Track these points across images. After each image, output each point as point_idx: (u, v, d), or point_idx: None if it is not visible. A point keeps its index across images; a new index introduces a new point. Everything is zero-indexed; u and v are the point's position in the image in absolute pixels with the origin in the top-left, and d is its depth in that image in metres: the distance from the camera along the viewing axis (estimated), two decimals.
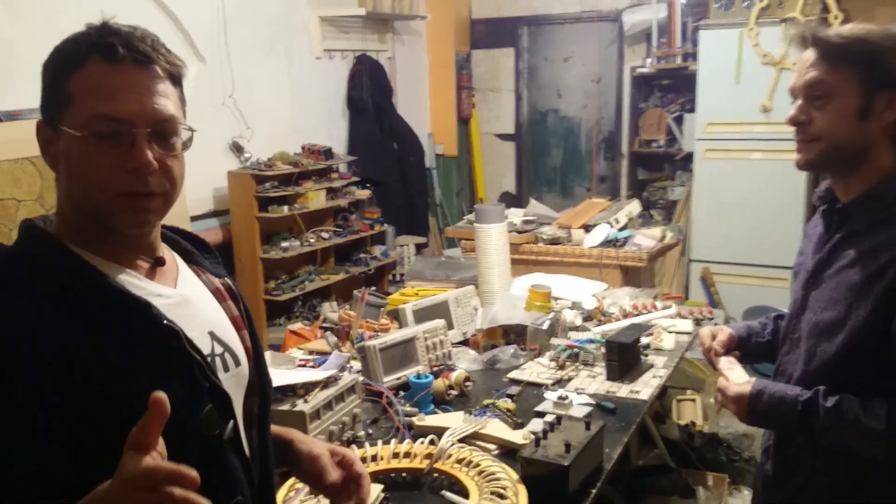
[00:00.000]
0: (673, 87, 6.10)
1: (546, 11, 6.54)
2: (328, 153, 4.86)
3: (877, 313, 1.44)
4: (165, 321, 1.08)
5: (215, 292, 1.26)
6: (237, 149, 4.48)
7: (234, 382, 1.20)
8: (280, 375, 2.10)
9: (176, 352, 1.09)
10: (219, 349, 1.19)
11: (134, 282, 1.12)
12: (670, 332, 2.95)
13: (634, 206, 4.24)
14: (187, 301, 1.18)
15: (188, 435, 1.08)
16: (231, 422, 1.15)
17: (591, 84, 6.57)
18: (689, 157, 5.74)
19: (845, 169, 1.53)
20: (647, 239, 3.85)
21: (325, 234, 4.78)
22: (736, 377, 1.73)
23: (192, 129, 1.14)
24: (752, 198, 5.31)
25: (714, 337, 1.98)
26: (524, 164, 6.92)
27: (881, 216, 1.48)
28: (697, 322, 3.20)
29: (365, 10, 5.25)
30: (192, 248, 1.29)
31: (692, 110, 5.65)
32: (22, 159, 3.27)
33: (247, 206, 4.31)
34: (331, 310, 3.51)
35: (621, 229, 3.99)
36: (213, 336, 1.19)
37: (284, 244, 4.49)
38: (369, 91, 5.61)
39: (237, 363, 1.22)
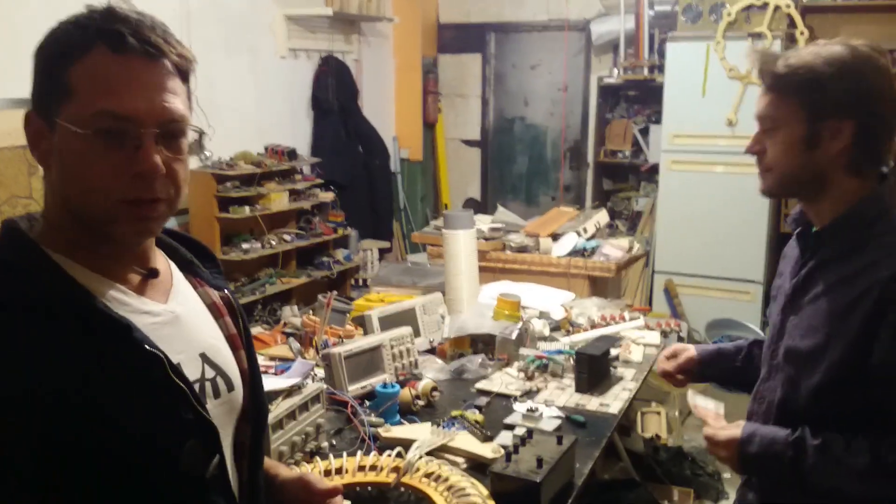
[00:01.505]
0: (639, 98, 6.11)
1: (514, 19, 6.52)
2: (292, 154, 4.77)
3: (856, 346, 1.40)
4: (148, 346, 0.98)
5: (212, 307, 1.16)
6: (198, 147, 4.37)
7: (224, 410, 1.10)
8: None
9: (159, 380, 0.99)
10: (210, 373, 1.09)
11: (120, 297, 1.02)
12: (639, 344, 2.92)
13: (602, 216, 4.22)
14: (178, 319, 1.07)
15: (169, 472, 0.99)
16: (216, 457, 1.05)
17: (558, 92, 6.55)
18: (654, 169, 5.75)
19: (808, 196, 1.52)
20: (614, 249, 3.82)
21: (287, 237, 4.69)
22: (714, 420, 1.67)
23: (201, 132, 1.05)
24: (716, 210, 5.33)
25: (673, 355, 1.94)
26: (490, 171, 6.88)
27: (854, 244, 1.45)
28: (664, 334, 3.19)
29: (332, 10, 5.17)
30: (191, 258, 1.18)
31: (658, 122, 5.66)
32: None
33: (207, 206, 4.20)
34: (292, 314, 3.42)
35: (589, 239, 3.97)
36: (204, 358, 1.09)
37: (245, 245, 4.39)
38: (335, 92, 5.53)
39: (230, 388, 1.12)
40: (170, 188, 1.00)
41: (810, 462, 1.42)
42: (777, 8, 4.99)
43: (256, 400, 1.18)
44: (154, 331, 1.01)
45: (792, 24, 5.02)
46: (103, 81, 0.95)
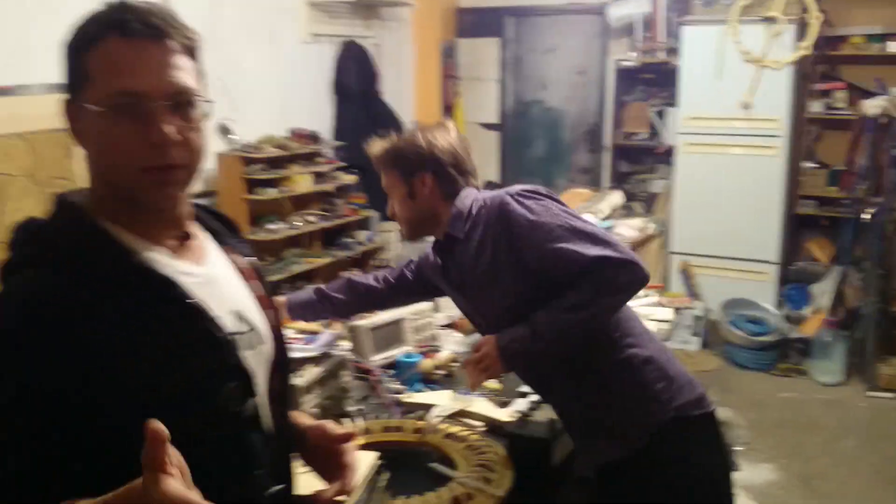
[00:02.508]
0: (656, 81, 6.17)
1: (532, 2, 6.59)
2: (315, 137, 4.89)
3: (508, 273, 1.87)
4: (189, 300, 1.11)
5: (242, 272, 1.28)
6: (225, 131, 4.51)
7: (257, 360, 1.22)
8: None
9: (199, 330, 1.11)
10: (243, 327, 1.20)
11: (161, 259, 1.14)
12: (651, 321, 3.02)
13: (617, 197, 4.32)
14: (213, 280, 1.20)
15: (209, 412, 1.12)
16: (251, 399, 1.18)
17: (575, 76, 6.63)
18: (670, 151, 5.82)
19: (430, 229, 2.04)
20: (629, 229, 3.93)
21: (311, 218, 4.82)
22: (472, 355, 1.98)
23: (210, 101, 1.15)
24: (731, 192, 5.41)
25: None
26: (507, 154, 6.97)
27: (463, 236, 1.95)
28: (677, 311, 3.29)
29: None
30: (220, 228, 1.30)
31: (674, 104, 5.73)
32: (13, 135, 3.29)
33: (235, 188, 4.33)
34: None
35: (604, 219, 4.07)
36: (237, 315, 1.21)
37: (271, 226, 4.52)
38: (355, 77, 5.63)
39: (261, 341, 1.24)
40: (186, 155, 1.11)
41: (541, 321, 1.82)
42: None
43: (283, 353, 1.31)
44: (193, 289, 1.13)
45: (805, 8, 5.07)
46: (115, 64, 1.07)
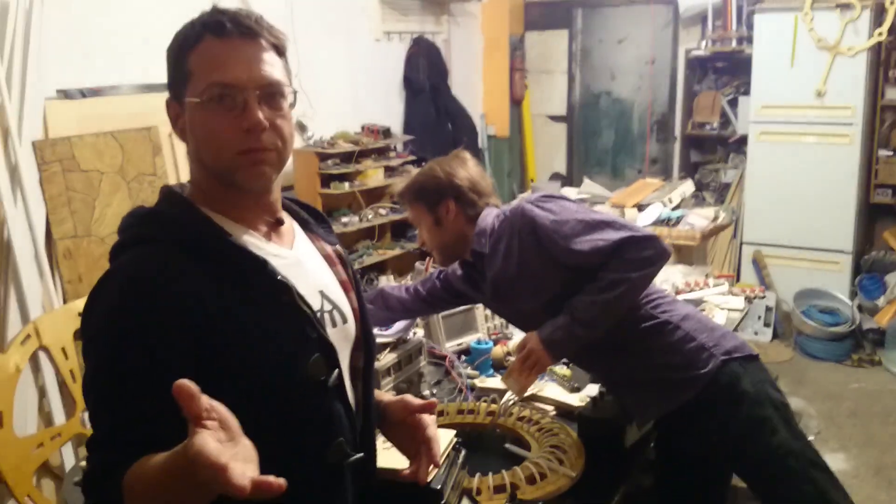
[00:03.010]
0: (727, 69, 6.11)
1: None
2: (387, 132, 4.99)
3: (544, 277, 2.00)
4: (279, 277, 1.22)
5: (327, 258, 1.41)
6: (301, 128, 4.65)
7: (340, 337, 1.33)
8: None
9: (288, 305, 1.23)
10: (327, 306, 1.32)
11: (254, 242, 1.27)
12: (722, 309, 3.04)
13: (688, 187, 4.32)
14: (300, 262, 1.32)
15: (296, 381, 1.23)
16: (336, 370, 1.28)
17: (645, 66, 6.61)
18: (742, 140, 5.76)
19: (461, 251, 2.18)
20: (700, 219, 3.93)
21: (382, 211, 4.93)
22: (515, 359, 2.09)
23: (295, 91, 1.27)
24: (804, 181, 5.33)
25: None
26: (575, 146, 6.99)
27: (489, 250, 2.08)
28: (749, 300, 3.29)
29: None
30: (308, 218, 1.43)
31: (746, 93, 5.67)
32: (105, 133, 3.46)
33: (310, 183, 4.47)
34: (387, 283, 3.65)
35: (674, 209, 4.08)
36: (322, 294, 1.32)
37: (344, 219, 4.65)
38: (425, 72, 5.73)
39: (344, 320, 1.35)
40: (276, 140, 1.24)
41: (579, 306, 1.94)
42: None
43: (366, 333, 1.41)
44: (282, 269, 1.25)
45: None
46: (211, 61, 1.21)
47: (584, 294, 1.94)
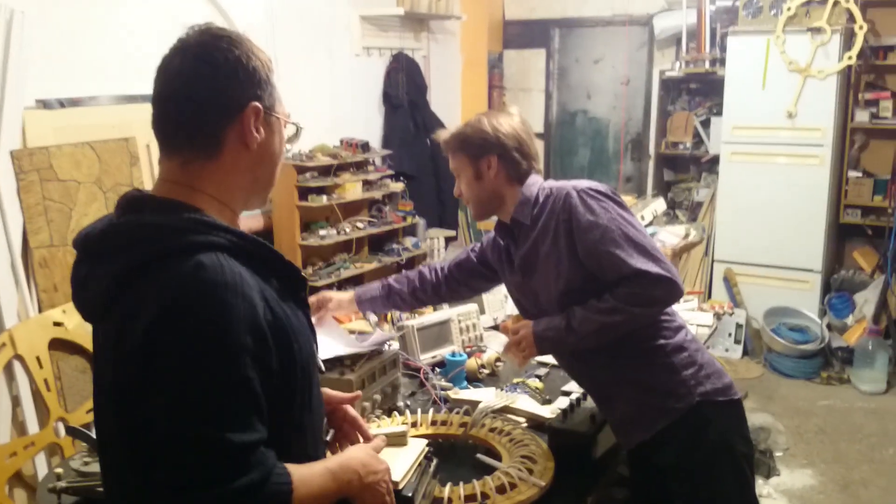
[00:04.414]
0: (701, 90, 6.23)
1: (578, 14, 6.69)
2: (365, 146, 5.03)
3: (569, 262, 1.99)
4: (302, 273, 1.34)
5: None
6: (296, 138, 4.66)
7: None
8: (331, 347, 2.29)
9: (303, 300, 1.35)
10: None
11: None
12: (691, 325, 3.09)
13: (660, 204, 4.39)
14: None
15: (314, 370, 1.35)
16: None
17: (620, 86, 6.71)
18: (714, 160, 5.87)
19: (496, 208, 2.16)
20: (671, 236, 4.00)
21: (360, 224, 4.96)
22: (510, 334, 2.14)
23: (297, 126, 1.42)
24: (775, 201, 5.44)
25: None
26: (552, 162, 7.07)
27: (529, 222, 2.08)
28: (718, 317, 3.35)
29: (403, 10, 5.43)
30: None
31: (719, 114, 5.78)
32: (83, 143, 3.47)
33: (288, 195, 4.49)
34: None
35: (647, 226, 4.14)
36: None
37: (322, 232, 4.67)
38: (404, 87, 5.78)
39: None
40: None
41: (577, 316, 1.96)
42: (836, 2, 5.07)
43: None
44: None
45: (851, 18, 5.10)
46: None
47: (585, 308, 1.96)
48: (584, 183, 2.06)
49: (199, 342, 1.10)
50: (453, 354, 2.68)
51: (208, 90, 1.23)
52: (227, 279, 1.14)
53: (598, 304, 1.94)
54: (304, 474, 1.21)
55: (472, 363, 2.67)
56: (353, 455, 1.37)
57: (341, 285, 4.81)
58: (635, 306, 1.92)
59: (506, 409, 2.34)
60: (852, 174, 5.55)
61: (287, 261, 1.30)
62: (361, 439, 1.59)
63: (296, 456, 1.24)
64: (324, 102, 5.12)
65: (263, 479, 1.12)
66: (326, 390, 1.58)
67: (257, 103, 1.27)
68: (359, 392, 1.68)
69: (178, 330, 1.10)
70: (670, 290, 1.93)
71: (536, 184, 2.11)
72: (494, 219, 2.24)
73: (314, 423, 1.35)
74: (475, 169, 2.11)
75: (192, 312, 1.11)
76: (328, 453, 1.48)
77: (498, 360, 2.74)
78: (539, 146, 7.02)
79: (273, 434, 1.17)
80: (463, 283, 2.47)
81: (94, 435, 1.91)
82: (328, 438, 1.59)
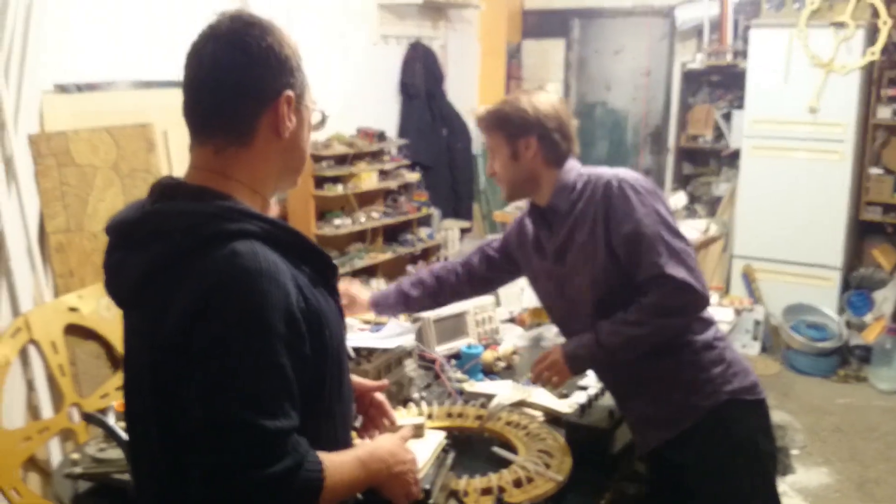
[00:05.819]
0: (722, 83, 6.16)
1: (598, 4, 6.63)
2: (381, 136, 5.01)
3: (607, 256, 1.94)
4: (333, 260, 1.34)
5: None
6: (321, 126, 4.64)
7: None
8: (359, 337, 2.30)
9: (333, 287, 1.34)
10: None
11: None
12: None
13: (679, 198, 4.35)
14: None
15: (344, 356, 1.36)
16: None
17: (640, 78, 6.65)
18: (735, 154, 5.81)
19: (529, 191, 2.09)
20: (691, 230, 3.96)
21: (375, 214, 4.94)
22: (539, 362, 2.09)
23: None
24: (796, 196, 5.38)
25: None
26: None
27: (567, 209, 2.02)
28: (737, 312, 3.32)
29: None
30: None
31: (740, 107, 5.71)
32: (100, 129, 3.46)
33: (303, 184, 4.47)
34: (378, 287, 3.67)
35: None
36: None
37: (337, 221, 4.66)
38: (421, 77, 5.75)
39: None
40: None
41: (605, 331, 1.93)
42: None
43: None
44: None
45: (875, 13, 5.02)
46: None
47: (612, 321, 1.93)
48: (625, 173, 1.99)
49: (234, 329, 1.11)
50: (469, 347, 2.66)
51: (244, 78, 1.23)
52: (262, 266, 1.13)
53: (624, 315, 1.92)
54: (334, 462, 1.21)
55: (488, 355, 2.65)
56: (382, 444, 1.37)
57: (355, 275, 4.80)
58: (659, 317, 1.89)
59: (522, 403, 2.32)
60: (873, 171, 5.48)
61: (318, 248, 1.30)
62: (388, 424, 1.64)
63: (325, 442, 1.24)
64: (340, 91, 5.09)
65: (297, 465, 1.12)
66: (355, 377, 1.59)
67: (290, 92, 1.27)
68: (386, 381, 1.72)
69: (214, 317, 1.11)
70: (695, 301, 1.89)
71: (574, 169, 2.05)
72: (511, 211, 2.20)
73: (344, 409, 1.35)
74: (512, 149, 2.04)
75: (228, 299, 1.11)
76: (357, 440, 1.49)
77: (514, 352, 2.72)
78: None
79: (304, 420, 1.16)
80: (486, 281, 2.41)
81: (109, 421, 1.90)
82: (357, 425, 1.61)
